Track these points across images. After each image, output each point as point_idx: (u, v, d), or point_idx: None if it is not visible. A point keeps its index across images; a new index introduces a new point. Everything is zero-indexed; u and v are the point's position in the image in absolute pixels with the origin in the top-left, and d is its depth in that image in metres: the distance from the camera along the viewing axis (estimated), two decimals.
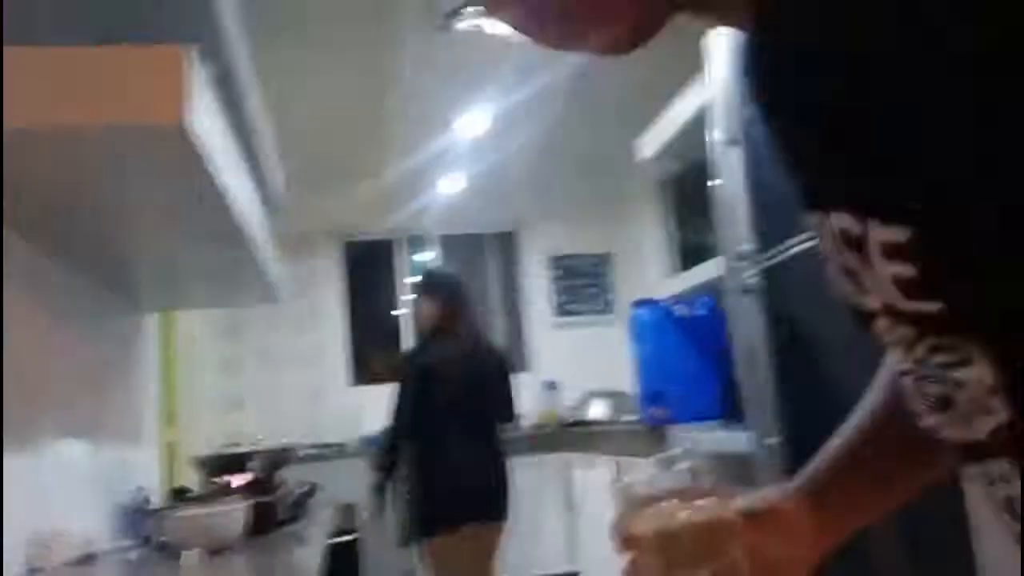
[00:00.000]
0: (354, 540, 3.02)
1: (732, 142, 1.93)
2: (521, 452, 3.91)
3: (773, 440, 1.71)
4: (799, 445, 1.66)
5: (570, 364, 5.02)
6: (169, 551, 1.64)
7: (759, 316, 1.80)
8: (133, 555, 1.67)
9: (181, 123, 1.07)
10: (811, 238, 1.58)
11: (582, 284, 5.47)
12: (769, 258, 1.80)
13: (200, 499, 2.02)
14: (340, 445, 4.70)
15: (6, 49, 1.15)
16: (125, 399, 2.36)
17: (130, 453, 2.33)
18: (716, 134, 1.94)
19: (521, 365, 5.18)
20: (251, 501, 1.80)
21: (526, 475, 3.83)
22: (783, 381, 1.74)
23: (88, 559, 1.68)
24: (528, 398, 4.57)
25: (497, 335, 5.52)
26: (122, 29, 1.38)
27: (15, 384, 1.59)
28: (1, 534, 0.92)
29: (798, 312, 1.69)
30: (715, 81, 1.96)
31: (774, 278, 1.79)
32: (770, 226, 1.80)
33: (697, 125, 2.84)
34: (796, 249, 1.68)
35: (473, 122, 4.28)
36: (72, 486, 1.68)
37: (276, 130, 2.69)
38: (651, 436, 3.02)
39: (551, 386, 4.95)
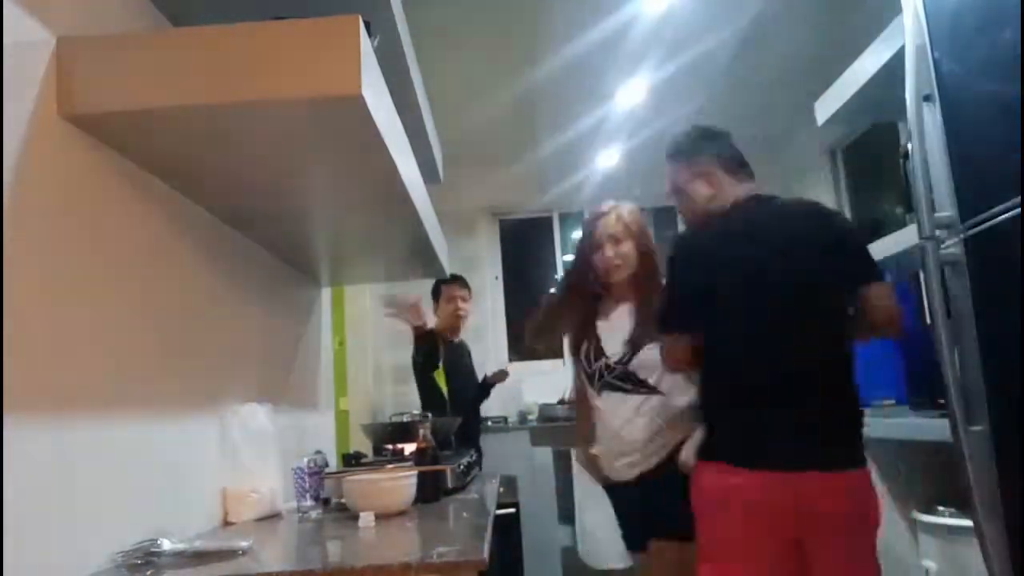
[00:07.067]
0: (516, 512, 3.05)
1: (927, 98, 1.74)
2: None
3: (980, 427, 1.54)
4: (1009, 432, 1.49)
5: None
6: (346, 512, 1.72)
7: (962, 291, 1.62)
8: (314, 514, 1.76)
9: (360, 93, 1.07)
10: (1021, 204, 1.40)
11: None
12: (972, 227, 1.61)
13: (373, 465, 2.11)
14: (502, 419, 4.78)
15: (186, 29, 1.19)
16: (305, 369, 2.49)
17: (309, 419, 2.46)
18: (910, 89, 1.74)
19: None
20: (422, 469, 1.84)
21: None
22: (991, 362, 1.56)
23: (274, 516, 1.79)
24: None
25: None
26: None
27: (207, 352, 1.71)
28: (1, 527, 0.98)
29: (1007, 286, 1.51)
30: (910, 31, 1.76)
31: (978, 249, 1.60)
32: (972, 191, 1.61)
33: (876, 86, 2.62)
34: (1004, 216, 1.49)
35: (629, 94, 4.16)
36: (259, 448, 1.78)
37: (432, 105, 2.72)
38: None
39: None
